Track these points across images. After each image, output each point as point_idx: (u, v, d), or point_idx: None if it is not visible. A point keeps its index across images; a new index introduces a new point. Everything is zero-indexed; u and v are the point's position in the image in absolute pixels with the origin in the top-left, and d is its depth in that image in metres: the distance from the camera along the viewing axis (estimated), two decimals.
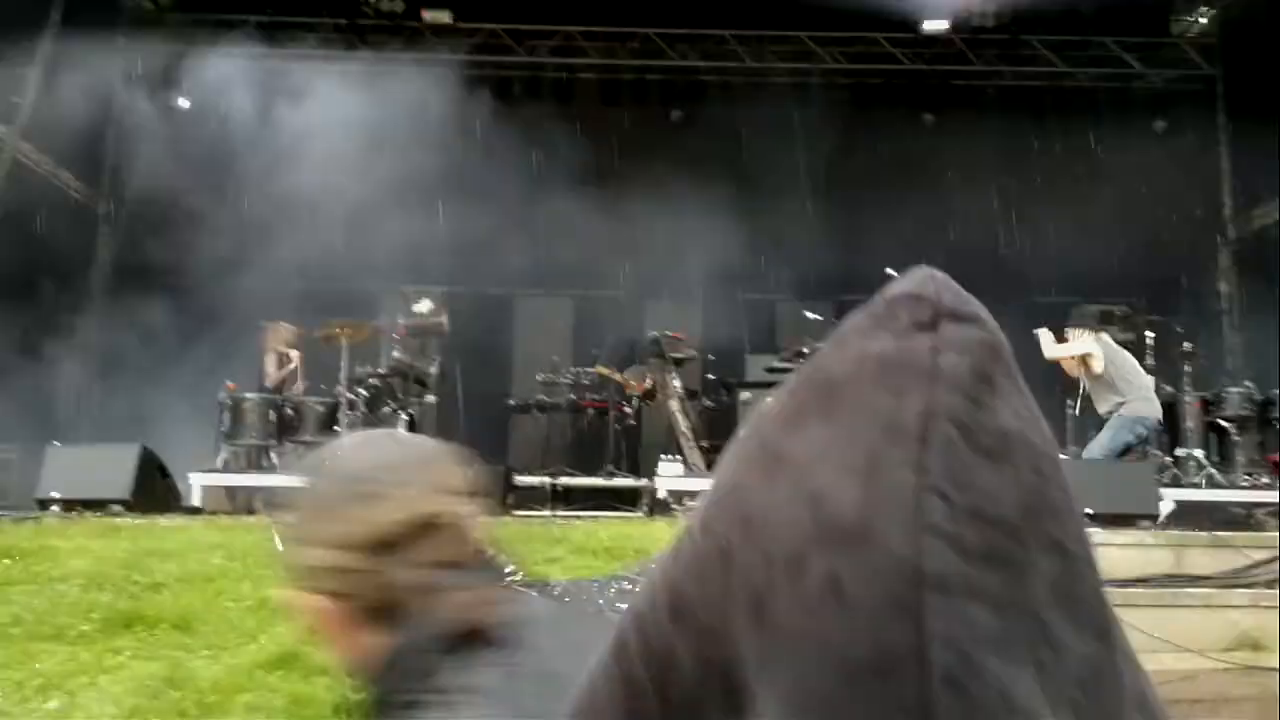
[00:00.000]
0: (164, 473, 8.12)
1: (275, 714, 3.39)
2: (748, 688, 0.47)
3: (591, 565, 5.32)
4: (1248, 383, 10.10)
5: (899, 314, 0.49)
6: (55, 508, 7.26)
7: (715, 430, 12.21)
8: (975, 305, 0.50)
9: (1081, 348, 9.12)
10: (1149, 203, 12.20)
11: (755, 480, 0.49)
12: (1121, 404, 8.91)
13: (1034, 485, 0.47)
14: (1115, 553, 6.06)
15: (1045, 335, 9.15)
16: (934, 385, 0.46)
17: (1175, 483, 9.10)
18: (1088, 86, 13.38)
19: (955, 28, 13.06)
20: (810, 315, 11.04)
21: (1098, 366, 9.03)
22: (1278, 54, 11.87)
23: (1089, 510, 7.31)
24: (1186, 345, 9.98)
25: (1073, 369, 9.30)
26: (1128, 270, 12.06)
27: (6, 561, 5.03)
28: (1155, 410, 9.00)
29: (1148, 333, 10.21)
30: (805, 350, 10.98)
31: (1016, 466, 0.46)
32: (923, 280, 0.50)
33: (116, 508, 7.30)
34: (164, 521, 6.73)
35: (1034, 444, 0.48)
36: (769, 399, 0.55)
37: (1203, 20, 13.49)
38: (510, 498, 10.86)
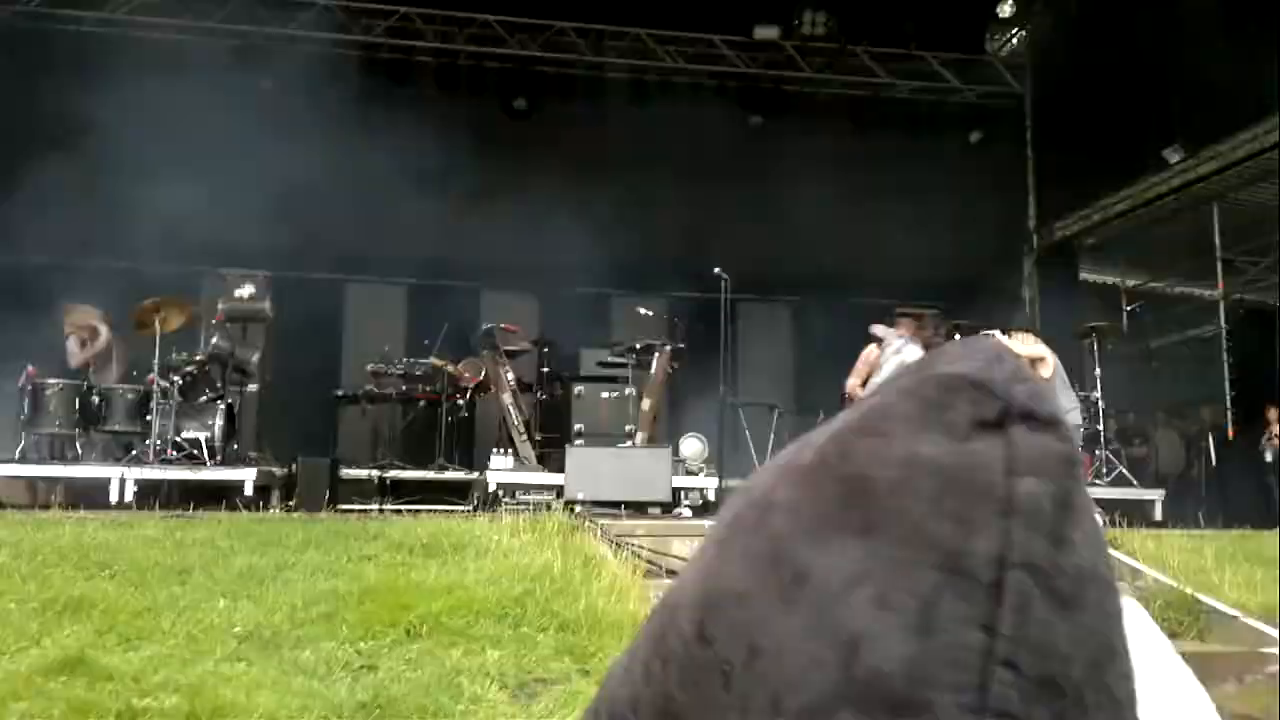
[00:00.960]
0: None
1: None
2: None
3: (408, 561, 5.28)
4: None
5: (958, 407, 0.39)
6: None
7: (548, 423, 12.25)
8: (1050, 402, 0.40)
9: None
10: (961, 211, 12.88)
11: (767, 597, 0.41)
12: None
13: (1102, 632, 0.40)
14: None
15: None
16: (1010, 520, 0.38)
17: None
18: (908, 98, 14.03)
19: (785, 35, 13.47)
20: (643, 311, 11.21)
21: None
22: (1080, 76, 12.76)
23: None
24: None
25: None
26: (939, 274, 12.70)
27: None
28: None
29: (956, 335, 10.81)
30: (637, 346, 11.15)
31: (1088, 611, 0.40)
32: (988, 363, 0.40)
33: None
34: None
35: (1103, 578, 0.41)
36: (760, 476, 0.46)
37: (1014, 41, 14.34)
38: (336, 492, 10.61)
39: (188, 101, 11.31)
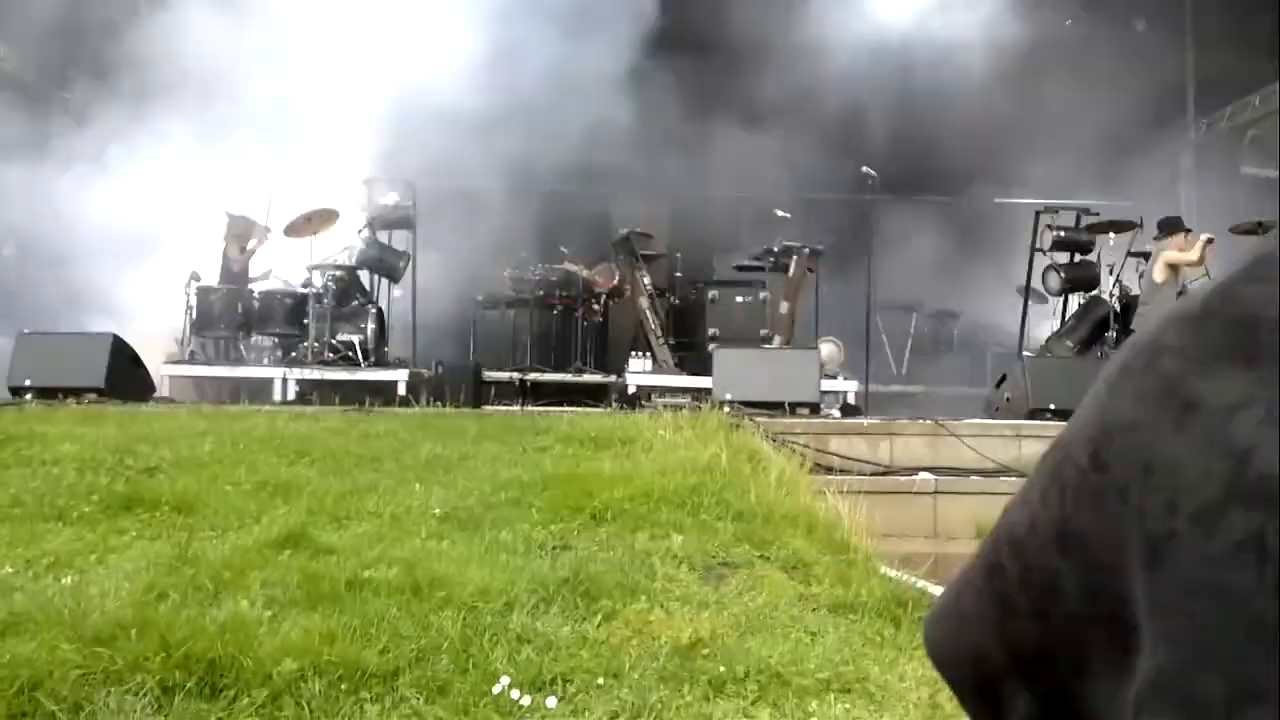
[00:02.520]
0: (136, 362, 8.05)
1: (291, 589, 3.48)
2: (1136, 625, 0.47)
3: (580, 453, 5.45)
4: (1204, 285, 10.32)
5: None
6: (29, 396, 7.20)
7: (682, 328, 12.32)
8: None
9: (1185, 257, 9.42)
10: (1117, 102, 12.24)
11: (1159, 425, 0.47)
12: None
13: None
14: None
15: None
16: None
17: None
18: None
19: None
20: (780, 213, 11.07)
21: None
22: None
23: (1052, 406, 7.59)
24: (1148, 247, 10.18)
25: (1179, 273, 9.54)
26: (1094, 168, 12.19)
27: None
28: None
29: (1110, 234, 10.44)
30: (774, 249, 11.06)
31: None
32: None
33: (90, 396, 7.26)
34: (145, 409, 6.72)
35: None
36: (1148, 322, 0.54)
37: None
38: (479, 394, 10.93)
39: (332, 10, 11.44)
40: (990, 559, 0.57)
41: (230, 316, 10.22)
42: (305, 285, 10.28)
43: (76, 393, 7.20)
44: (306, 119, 11.31)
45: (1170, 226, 9.83)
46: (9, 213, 10.73)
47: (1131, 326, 9.79)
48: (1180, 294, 9.58)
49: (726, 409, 7.04)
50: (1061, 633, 0.52)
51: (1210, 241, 9.42)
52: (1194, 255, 9.37)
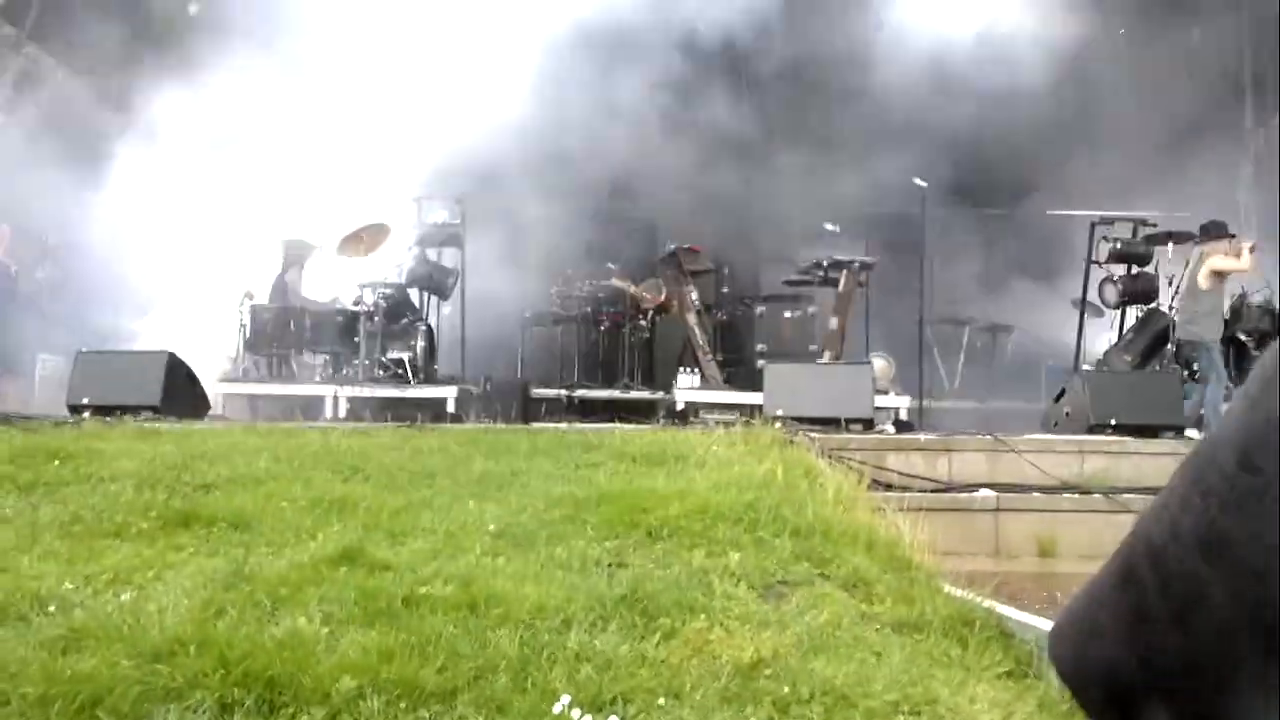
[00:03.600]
0: (192, 380, 8.14)
1: (348, 605, 3.45)
2: None
3: (633, 469, 5.39)
4: (1265, 294, 10.05)
5: None
6: (86, 414, 7.30)
7: (729, 343, 12.26)
8: None
9: (1232, 264, 9.26)
10: (1173, 113, 12.03)
11: None
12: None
13: None
14: (1145, 461, 6.14)
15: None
16: None
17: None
18: None
19: None
20: (829, 227, 10.98)
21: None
22: None
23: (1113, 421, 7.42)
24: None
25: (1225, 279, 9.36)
26: (1149, 181, 11.95)
27: (55, 463, 5.07)
28: None
29: (1169, 244, 10.20)
30: (823, 263, 10.96)
31: None
32: None
33: (146, 414, 7.33)
34: (200, 426, 6.78)
35: None
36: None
37: None
38: (527, 410, 10.94)
39: (383, 30, 11.55)
40: (1125, 568, 0.54)
41: (282, 335, 10.33)
42: (356, 303, 10.36)
43: (133, 410, 7.28)
44: (358, 137, 11.44)
45: (1214, 231, 9.59)
46: (62, 233, 10.93)
47: (1177, 334, 9.54)
48: (1238, 300, 9.34)
49: (779, 425, 6.95)
50: (1207, 645, 0.49)
51: (1254, 249, 9.21)
52: (1245, 264, 9.15)
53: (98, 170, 11.59)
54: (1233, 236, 9.55)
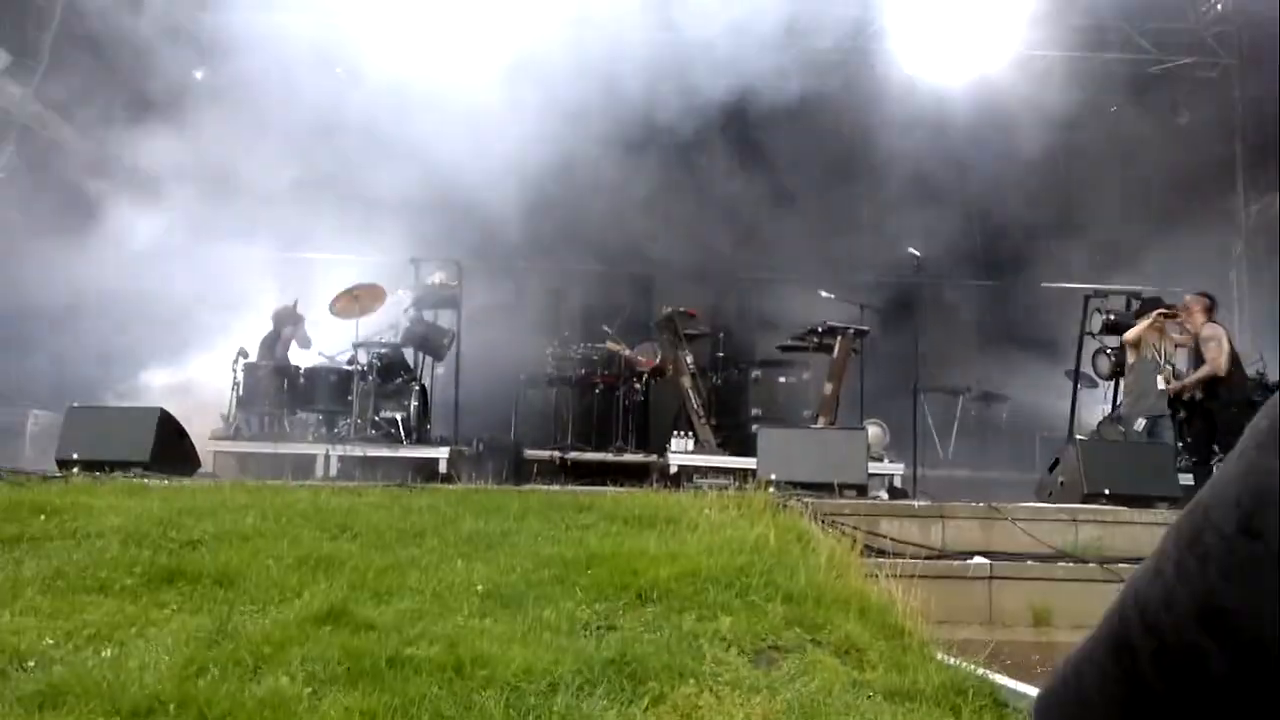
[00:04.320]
0: (182, 436, 8.10)
1: (331, 665, 3.40)
2: None
3: (624, 531, 5.35)
4: (1260, 368, 10.09)
5: None
6: (75, 470, 7.25)
7: (723, 408, 12.23)
8: None
9: (1206, 331, 9.26)
10: (1166, 189, 12.21)
11: None
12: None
13: None
14: (1139, 531, 6.11)
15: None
16: None
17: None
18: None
19: None
20: (824, 294, 11.03)
21: (1215, 352, 9.16)
22: None
23: (1107, 491, 7.40)
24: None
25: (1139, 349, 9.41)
26: (1142, 256, 12.09)
27: (41, 518, 5.02)
28: None
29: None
30: (818, 329, 10.99)
31: None
32: None
33: (136, 470, 7.29)
34: (189, 483, 6.73)
35: None
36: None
37: (1219, 8, 13.46)
38: (520, 472, 10.87)
39: (366, 99, 11.72)
40: (1117, 635, 0.51)
41: (275, 393, 10.31)
42: (350, 362, 10.35)
43: (123, 466, 7.24)
44: (355, 200, 11.56)
45: (1148, 307, 9.78)
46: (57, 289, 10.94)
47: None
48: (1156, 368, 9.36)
49: (772, 489, 6.91)
50: (1207, 715, 0.46)
51: (1170, 315, 9.35)
52: (1143, 325, 9.27)
53: (97, 227, 11.68)
54: (1166, 309, 9.65)
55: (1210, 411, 9.21)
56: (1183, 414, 9.51)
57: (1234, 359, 9.28)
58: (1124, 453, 8.70)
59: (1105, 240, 12.14)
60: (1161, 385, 9.27)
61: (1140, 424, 9.21)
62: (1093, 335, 10.67)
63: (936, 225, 11.34)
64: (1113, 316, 10.63)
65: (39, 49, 11.28)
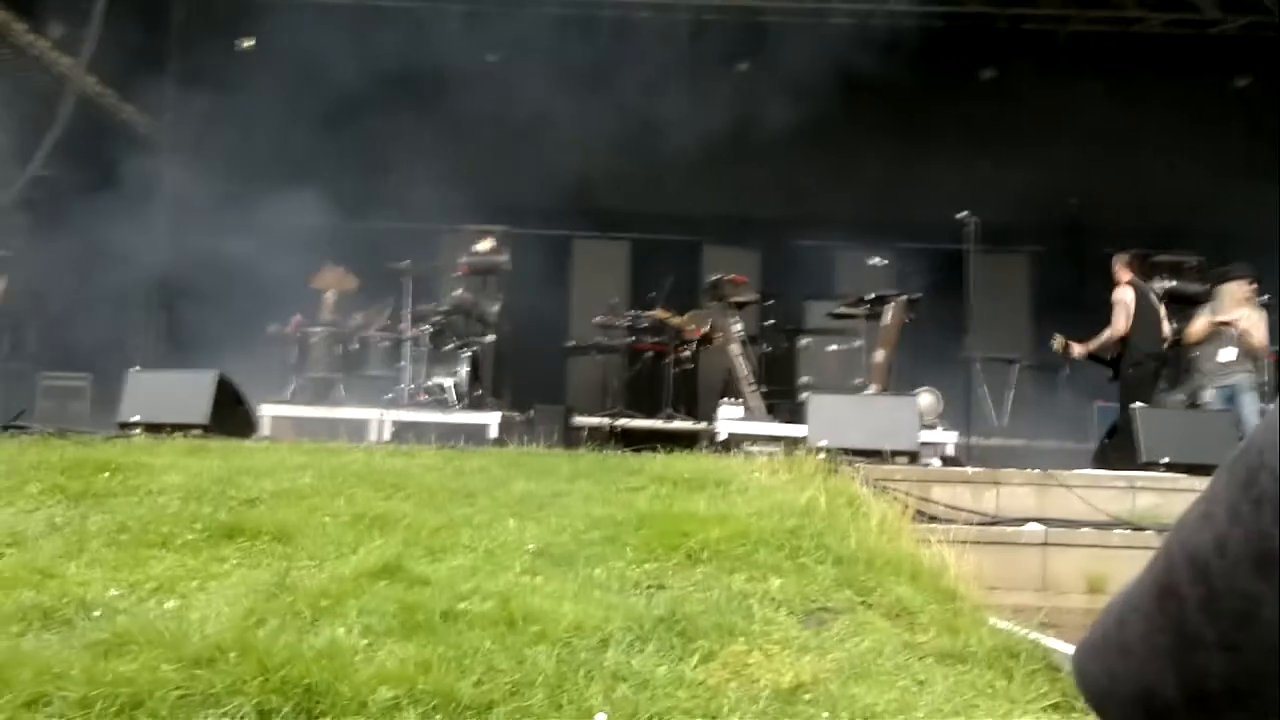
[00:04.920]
0: (240, 400, 8.24)
1: (387, 618, 3.46)
2: None
3: (674, 494, 5.36)
4: None
5: None
6: (137, 431, 7.41)
7: (772, 377, 12.17)
8: None
9: (1233, 314, 9.29)
10: (1219, 154, 11.89)
11: None
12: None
13: None
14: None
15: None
16: None
17: None
18: (1161, 33, 12.98)
19: None
20: (871, 261, 10.92)
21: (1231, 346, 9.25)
22: None
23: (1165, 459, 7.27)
24: (1265, 296, 9.73)
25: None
26: (1194, 222, 11.80)
27: (105, 475, 5.16)
28: None
29: (1223, 284, 10.02)
30: (868, 297, 10.88)
31: None
32: None
33: (195, 432, 7.43)
34: (247, 444, 6.86)
35: None
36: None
37: None
38: (569, 439, 10.93)
39: (423, 67, 11.75)
40: (1163, 582, 0.50)
41: (330, 358, 10.45)
42: (402, 329, 10.46)
43: (182, 428, 7.38)
44: (406, 167, 11.62)
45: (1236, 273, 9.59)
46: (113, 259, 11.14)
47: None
48: None
49: (822, 455, 6.87)
50: (1258, 668, 0.45)
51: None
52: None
53: (151, 198, 11.87)
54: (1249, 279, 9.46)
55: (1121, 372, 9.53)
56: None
57: (1146, 318, 9.47)
58: (1183, 420, 8.53)
59: (1160, 207, 11.84)
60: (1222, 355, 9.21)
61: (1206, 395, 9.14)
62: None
63: (990, 189, 11.12)
64: (1173, 284, 10.40)
65: (90, 20, 11.41)
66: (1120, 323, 9.42)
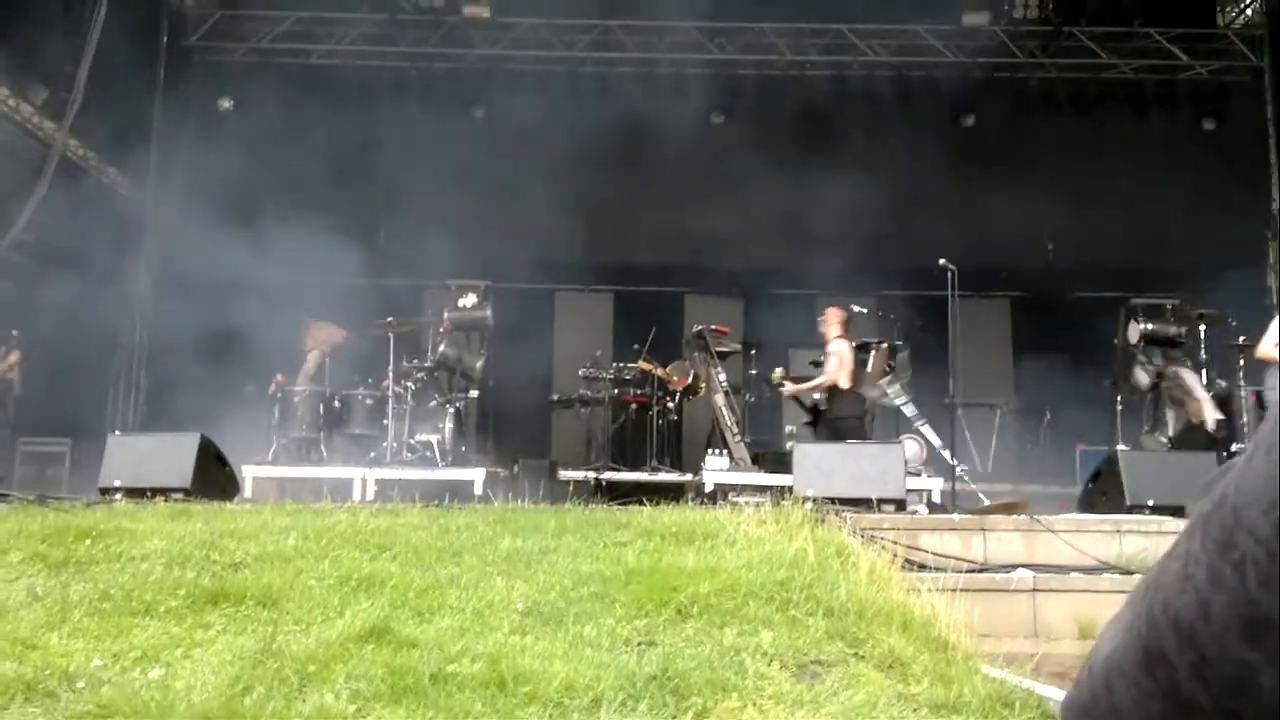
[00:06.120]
0: (222, 462, 8.17)
1: (375, 682, 3.41)
2: None
3: (662, 548, 5.33)
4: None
5: None
6: (119, 496, 7.34)
7: (759, 425, 12.19)
8: None
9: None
10: (1195, 196, 12.09)
11: None
12: None
13: None
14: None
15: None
16: None
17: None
18: (1131, 78, 13.27)
19: (995, 20, 13.01)
20: (856, 308, 10.98)
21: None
22: None
23: (1151, 502, 7.29)
24: (1241, 339, 9.84)
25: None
26: (1173, 264, 11.98)
27: (87, 542, 5.09)
28: None
29: (1201, 326, 10.13)
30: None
31: None
32: None
33: (178, 496, 7.36)
34: (230, 507, 6.80)
35: None
36: None
37: (1248, 13, 13.36)
38: (554, 493, 10.87)
39: (406, 130, 11.89)
40: (1150, 647, 0.48)
41: (312, 418, 10.40)
42: (384, 386, 10.43)
43: (164, 492, 7.31)
44: (388, 224, 11.68)
45: None
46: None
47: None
48: None
49: (809, 505, 6.86)
50: None
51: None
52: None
53: (132, 259, 11.87)
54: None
55: (824, 419, 10.09)
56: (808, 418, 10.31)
57: (855, 378, 10.01)
58: (1167, 463, 8.58)
59: (1136, 250, 12.03)
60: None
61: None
62: (1131, 346, 10.55)
63: (967, 237, 11.27)
64: (1150, 327, 10.51)
65: (73, 83, 11.48)
66: (839, 376, 9.95)
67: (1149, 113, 13.06)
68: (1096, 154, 12.88)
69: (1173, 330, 10.48)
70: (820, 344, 11.86)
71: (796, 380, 10.60)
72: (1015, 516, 7.20)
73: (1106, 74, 13.26)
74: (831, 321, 10.29)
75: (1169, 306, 10.50)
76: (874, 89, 13.16)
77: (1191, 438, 9.73)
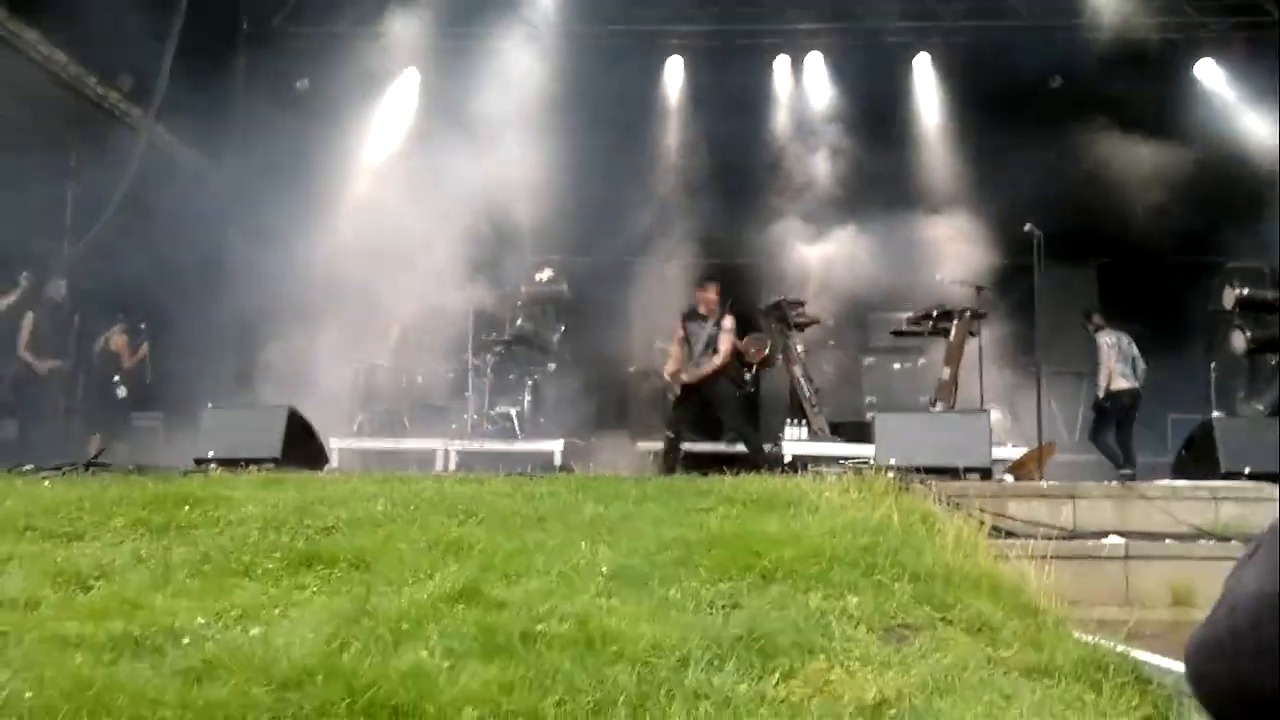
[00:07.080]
0: (310, 433, 8.39)
1: (467, 640, 3.48)
2: None
3: (744, 514, 5.34)
4: None
5: None
6: (213, 466, 7.58)
7: (838, 395, 12.09)
8: None
9: None
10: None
11: None
12: None
13: None
14: None
15: None
16: None
17: None
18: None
19: None
20: (939, 276, 10.81)
21: None
22: None
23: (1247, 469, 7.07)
24: None
25: None
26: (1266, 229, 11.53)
27: (186, 508, 5.27)
28: None
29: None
30: (933, 313, 10.76)
31: None
32: None
33: (268, 465, 7.58)
34: (320, 475, 6.98)
35: None
36: None
37: None
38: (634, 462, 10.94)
39: (489, 101, 11.93)
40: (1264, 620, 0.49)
41: (395, 392, 10.61)
42: (465, 360, 10.59)
43: (256, 463, 7.53)
44: (472, 203, 11.79)
45: None
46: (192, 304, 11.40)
47: None
48: None
49: (892, 473, 6.80)
50: None
51: None
52: None
53: (220, 236, 12.18)
54: None
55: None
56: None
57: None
58: (1262, 430, 8.30)
59: (1229, 213, 11.58)
60: None
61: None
62: (1227, 311, 10.21)
63: (1054, 203, 10.97)
64: (1246, 292, 10.15)
65: (159, 72, 11.80)
66: (727, 349, 10.08)
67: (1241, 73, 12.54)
68: (1192, 118, 12.42)
69: (1271, 295, 10.11)
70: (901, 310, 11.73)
71: None
72: (1046, 461, 7.02)
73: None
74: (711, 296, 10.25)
75: (1266, 271, 10.13)
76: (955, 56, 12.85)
77: None
